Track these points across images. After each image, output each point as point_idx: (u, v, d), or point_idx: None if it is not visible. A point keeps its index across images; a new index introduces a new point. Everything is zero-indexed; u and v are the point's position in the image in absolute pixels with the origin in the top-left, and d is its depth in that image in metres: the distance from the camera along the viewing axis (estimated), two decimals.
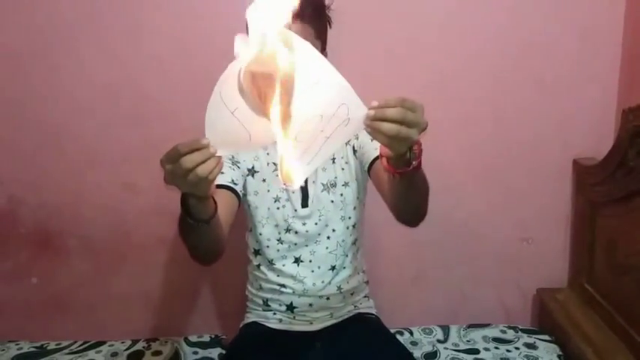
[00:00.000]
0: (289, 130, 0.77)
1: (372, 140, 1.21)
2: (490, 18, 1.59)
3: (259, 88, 0.75)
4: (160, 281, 1.78)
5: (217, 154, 0.80)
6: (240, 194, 1.25)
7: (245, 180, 1.30)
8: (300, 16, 1.11)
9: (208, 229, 0.96)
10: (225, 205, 1.18)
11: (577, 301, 1.67)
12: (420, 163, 0.87)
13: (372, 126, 0.76)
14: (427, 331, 1.67)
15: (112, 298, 1.78)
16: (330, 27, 1.24)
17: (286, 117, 0.76)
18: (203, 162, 0.78)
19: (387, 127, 0.75)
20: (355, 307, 1.40)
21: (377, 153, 1.19)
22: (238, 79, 0.76)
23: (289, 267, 1.32)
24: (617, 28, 1.60)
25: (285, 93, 0.74)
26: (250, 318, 1.41)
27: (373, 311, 1.43)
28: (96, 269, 1.76)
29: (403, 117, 0.75)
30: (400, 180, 0.91)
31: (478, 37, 1.60)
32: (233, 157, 1.27)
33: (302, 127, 0.78)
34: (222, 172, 1.24)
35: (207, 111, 0.79)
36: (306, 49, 0.76)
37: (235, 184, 1.24)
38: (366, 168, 1.25)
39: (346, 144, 1.29)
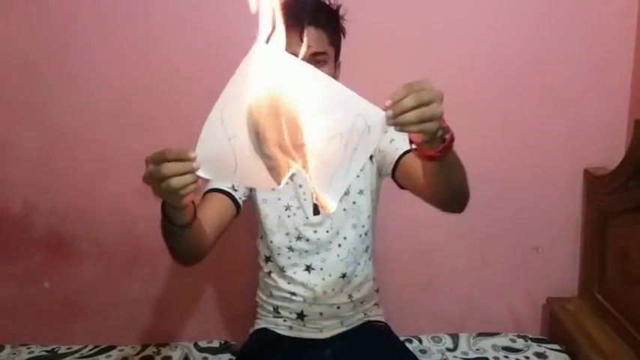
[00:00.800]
0: (307, 162, 0.78)
1: (390, 142, 1.21)
2: (501, 27, 1.59)
3: (266, 128, 0.76)
4: (171, 286, 1.79)
5: (198, 173, 0.80)
6: (240, 201, 1.26)
7: (253, 188, 1.30)
8: (314, 21, 1.13)
9: (185, 234, 0.97)
10: (217, 210, 1.20)
11: (588, 311, 1.66)
12: (452, 135, 0.84)
13: (397, 123, 0.76)
14: (436, 339, 1.67)
15: (122, 303, 1.79)
16: (344, 37, 1.24)
17: (299, 150, 0.78)
18: (181, 174, 0.78)
19: (410, 116, 0.75)
20: (365, 315, 1.40)
21: (400, 152, 1.18)
22: (247, 115, 0.77)
23: (300, 275, 1.33)
24: (629, 36, 1.59)
25: (292, 134, 0.76)
26: (260, 324, 1.41)
27: (383, 319, 1.43)
28: (107, 274, 1.77)
29: (419, 100, 0.75)
30: (440, 163, 0.88)
31: (489, 45, 1.60)
32: None
33: (324, 149, 0.79)
34: (236, 184, 1.25)
35: (205, 126, 0.79)
36: (308, 72, 0.77)
37: (235, 190, 1.25)
38: (389, 171, 1.22)
39: None
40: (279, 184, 0.83)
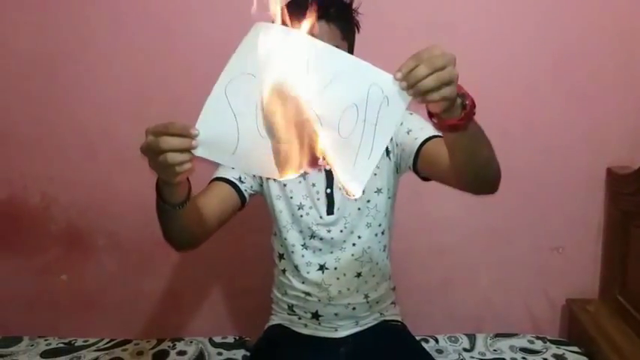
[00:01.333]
0: (324, 145, 0.78)
1: (408, 133, 1.18)
2: (522, 25, 1.57)
3: (283, 113, 0.76)
4: (187, 281, 1.80)
5: (195, 152, 0.78)
6: (246, 194, 1.23)
7: (267, 183, 1.29)
8: (324, 15, 1.10)
9: (178, 214, 0.94)
10: (219, 198, 1.17)
11: (608, 313, 1.62)
12: (473, 101, 0.81)
13: (417, 92, 0.73)
14: (453, 339, 1.65)
15: (139, 297, 1.80)
16: (359, 31, 1.22)
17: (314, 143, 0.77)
18: (179, 151, 0.76)
19: (429, 81, 0.72)
20: (381, 314, 1.38)
21: (419, 142, 1.15)
22: (261, 96, 0.76)
23: (314, 274, 1.31)
24: None
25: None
26: (275, 320, 1.41)
27: (399, 318, 1.41)
28: (124, 268, 1.79)
29: (433, 66, 0.72)
30: (464, 133, 0.83)
31: (509, 44, 1.58)
32: None
33: (339, 122, 0.77)
34: (233, 169, 1.23)
35: (207, 101, 0.78)
36: (315, 45, 0.76)
37: (242, 181, 1.23)
38: (410, 162, 1.18)
39: None
40: (280, 175, 0.82)
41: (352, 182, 0.81)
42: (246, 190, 1.24)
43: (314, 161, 0.82)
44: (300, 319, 1.36)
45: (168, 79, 1.63)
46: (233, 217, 1.22)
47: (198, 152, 0.78)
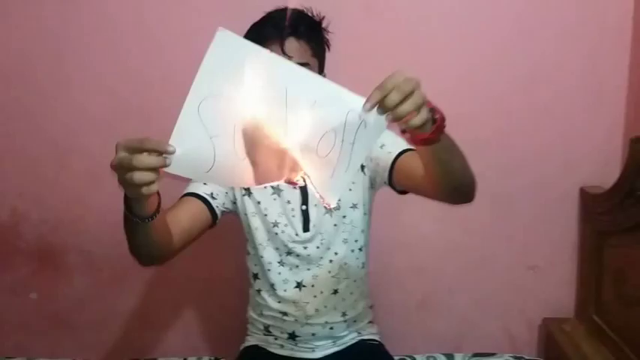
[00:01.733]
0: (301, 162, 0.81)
1: (381, 147, 1.19)
2: (494, 45, 1.59)
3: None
4: (161, 301, 1.76)
5: (167, 169, 0.76)
6: (218, 211, 1.21)
7: (242, 200, 1.27)
8: (295, 32, 1.12)
9: (145, 228, 0.92)
10: (190, 214, 1.15)
11: (584, 332, 1.63)
12: (442, 114, 0.84)
13: (398, 118, 0.76)
14: (431, 359, 1.63)
15: (111, 317, 1.76)
16: (329, 49, 1.23)
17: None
18: (150, 169, 0.75)
19: (405, 108, 0.75)
20: (359, 333, 1.37)
21: (393, 155, 1.16)
22: (238, 120, 0.78)
23: (290, 292, 1.29)
24: (623, 54, 1.59)
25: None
26: (251, 341, 1.38)
27: (377, 337, 1.40)
28: (96, 286, 1.74)
29: (402, 91, 0.74)
30: (437, 146, 0.86)
31: (482, 63, 1.60)
32: None
33: (317, 145, 0.80)
34: (205, 184, 1.22)
35: (179, 119, 0.77)
36: (294, 70, 0.78)
37: (214, 198, 1.21)
38: (385, 176, 1.19)
39: None
40: (256, 183, 0.83)
41: (328, 192, 0.83)
42: (217, 207, 1.22)
43: (291, 181, 0.85)
44: (276, 339, 1.34)
45: (143, 92, 1.61)
46: (203, 234, 1.20)
47: (170, 169, 0.77)
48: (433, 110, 0.82)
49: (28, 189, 1.68)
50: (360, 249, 1.32)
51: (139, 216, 0.89)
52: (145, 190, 0.76)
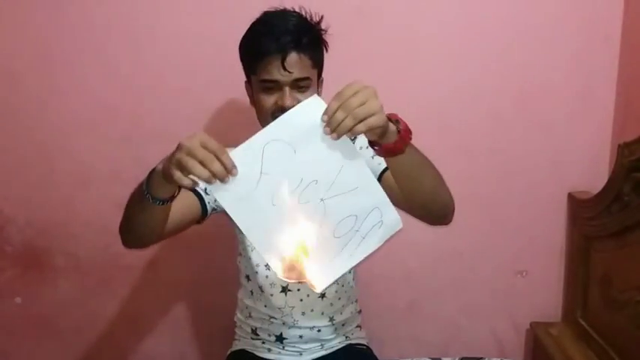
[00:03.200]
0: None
1: (372, 158, 1.18)
2: (486, 53, 1.60)
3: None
4: (148, 305, 1.74)
5: (214, 193, 0.84)
6: (208, 207, 1.18)
7: None
8: (296, 46, 1.09)
9: (152, 209, 0.95)
10: (182, 205, 1.12)
11: (571, 336, 1.64)
12: (406, 125, 0.89)
13: (339, 133, 0.82)
14: None
15: (97, 321, 1.74)
16: (327, 51, 1.21)
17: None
18: (209, 170, 0.80)
19: (347, 124, 0.81)
20: (347, 337, 1.37)
21: (382, 167, 1.15)
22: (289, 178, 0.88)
23: (277, 297, 1.28)
24: (612, 62, 1.61)
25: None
26: (238, 345, 1.38)
27: (365, 342, 1.40)
28: (82, 290, 1.72)
29: (348, 109, 0.81)
30: (405, 158, 0.91)
31: (474, 71, 1.60)
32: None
33: (338, 224, 0.89)
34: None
35: (245, 143, 0.85)
36: (354, 156, 0.87)
37: (207, 194, 1.18)
38: None
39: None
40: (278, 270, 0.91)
41: (320, 275, 0.90)
42: (209, 203, 1.19)
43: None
44: (263, 343, 1.33)
45: (132, 97, 1.60)
46: (188, 228, 1.18)
47: (215, 194, 0.85)
48: (398, 122, 0.88)
49: (14, 192, 1.66)
50: None
51: (156, 197, 0.92)
52: (188, 182, 0.82)
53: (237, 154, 0.84)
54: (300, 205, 0.87)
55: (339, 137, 0.83)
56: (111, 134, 1.63)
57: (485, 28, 1.59)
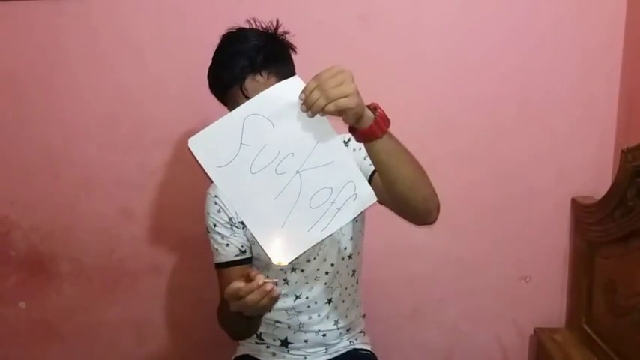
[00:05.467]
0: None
1: (364, 159, 1.17)
2: (487, 58, 1.60)
3: None
4: (152, 310, 1.75)
5: (193, 148, 0.91)
6: (247, 254, 1.24)
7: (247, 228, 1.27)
8: (251, 70, 1.07)
9: (256, 320, 1.15)
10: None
11: (575, 342, 1.64)
12: (382, 111, 0.93)
13: (314, 112, 0.87)
14: None
15: (102, 326, 1.74)
16: (295, 52, 1.17)
17: None
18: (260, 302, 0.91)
19: (320, 103, 0.86)
20: (351, 342, 1.37)
21: (373, 167, 1.14)
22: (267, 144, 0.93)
23: (288, 302, 1.29)
24: (615, 67, 1.61)
25: None
26: (242, 350, 1.38)
27: (369, 347, 1.40)
28: (87, 296, 1.73)
29: (323, 89, 0.85)
30: (381, 144, 0.94)
31: (475, 75, 1.61)
32: (231, 219, 1.22)
33: (314, 196, 0.94)
34: (228, 245, 1.22)
35: (222, 119, 0.91)
36: (329, 134, 0.92)
37: (243, 251, 1.22)
38: None
39: None
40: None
41: (292, 245, 0.96)
42: (246, 251, 1.23)
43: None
44: (268, 347, 1.33)
45: (136, 104, 1.61)
46: None
47: (193, 147, 0.91)
48: (375, 109, 0.93)
49: (19, 197, 1.67)
50: (350, 256, 1.31)
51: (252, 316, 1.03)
52: (262, 311, 0.97)
53: (219, 125, 0.90)
54: (277, 175, 0.93)
55: (313, 115, 0.88)
56: (115, 141, 1.64)
57: (488, 35, 1.60)
